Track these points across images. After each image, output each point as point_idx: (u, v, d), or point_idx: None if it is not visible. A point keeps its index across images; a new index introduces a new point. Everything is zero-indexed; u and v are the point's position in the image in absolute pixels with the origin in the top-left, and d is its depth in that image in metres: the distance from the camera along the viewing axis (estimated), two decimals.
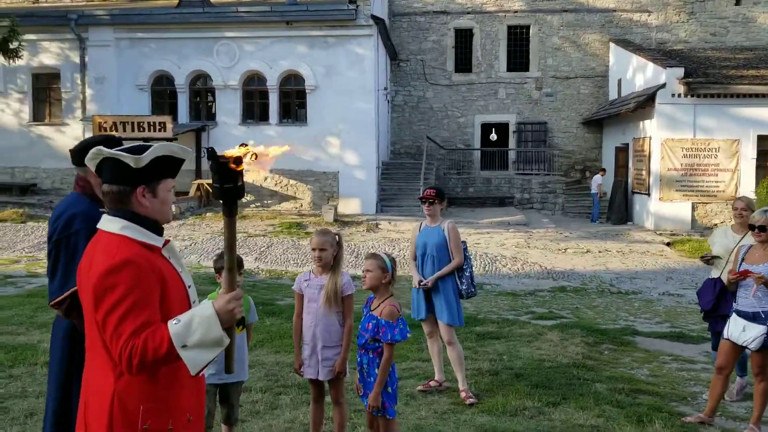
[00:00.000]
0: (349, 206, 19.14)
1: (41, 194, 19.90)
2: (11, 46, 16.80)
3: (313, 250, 4.12)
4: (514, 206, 22.54)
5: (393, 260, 3.88)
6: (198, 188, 19.20)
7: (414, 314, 5.80)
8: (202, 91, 20.14)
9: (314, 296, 4.09)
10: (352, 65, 19.03)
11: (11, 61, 17.35)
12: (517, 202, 22.81)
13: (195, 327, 2.03)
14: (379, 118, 20.13)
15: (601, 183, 21.31)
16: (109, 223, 2.22)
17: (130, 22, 19.59)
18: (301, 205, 19.60)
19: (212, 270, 4.17)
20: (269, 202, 19.63)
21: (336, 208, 18.21)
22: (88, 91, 19.81)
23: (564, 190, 22.93)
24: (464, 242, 5.72)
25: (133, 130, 17.57)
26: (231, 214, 2.13)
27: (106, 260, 2.09)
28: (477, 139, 25.20)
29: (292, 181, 19.57)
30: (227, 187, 2.09)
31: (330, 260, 4.07)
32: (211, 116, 19.90)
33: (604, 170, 22.15)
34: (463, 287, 5.62)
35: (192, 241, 14.74)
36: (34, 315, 7.76)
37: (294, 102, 19.93)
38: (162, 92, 20.15)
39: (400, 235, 16.51)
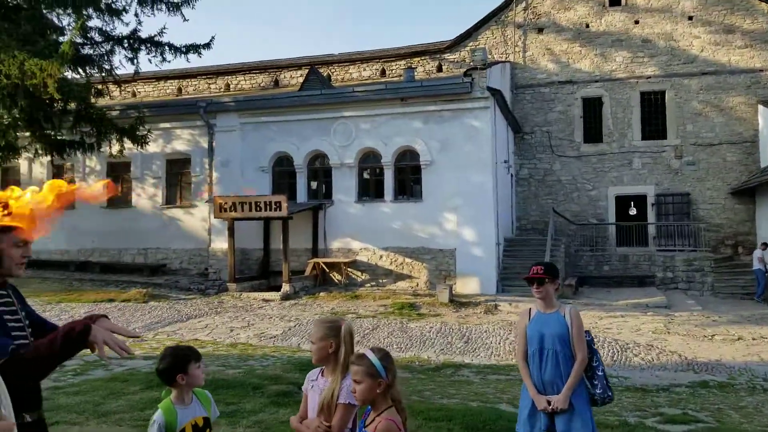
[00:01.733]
0: (467, 285, 18.08)
1: (170, 274, 20.60)
2: (139, 134, 17.91)
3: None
4: (656, 286, 20.37)
5: (386, 356, 2.96)
6: (314, 267, 19.02)
7: (525, 429, 4.50)
8: (320, 170, 20.28)
9: (315, 402, 3.25)
10: (469, 139, 18.39)
11: (140, 147, 18.45)
12: (659, 281, 20.62)
13: None
14: (498, 193, 19.17)
15: (761, 257, 18.81)
16: None
17: (254, 108, 20.34)
18: (417, 284, 18.80)
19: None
20: (384, 281, 19.02)
21: (452, 288, 17.24)
22: (215, 174, 20.58)
23: (713, 268, 20.45)
24: (587, 332, 4.50)
25: (251, 210, 17.84)
26: None
27: None
28: (611, 212, 23.41)
29: (407, 259, 18.90)
30: None
31: (324, 356, 3.23)
32: (328, 194, 19.90)
33: (765, 244, 19.57)
34: (597, 391, 4.37)
35: (297, 322, 14.32)
36: (102, 402, 7.42)
37: (409, 178, 19.51)
38: (282, 173, 20.52)
39: None
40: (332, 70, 25.55)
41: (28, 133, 17.81)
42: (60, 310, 15.37)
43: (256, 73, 26.44)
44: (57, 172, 22.38)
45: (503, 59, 23.75)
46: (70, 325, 2.53)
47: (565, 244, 21.16)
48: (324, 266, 19.07)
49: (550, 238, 19.94)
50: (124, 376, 9.00)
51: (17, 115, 16.42)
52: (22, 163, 21.89)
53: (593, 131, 23.66)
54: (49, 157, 20.10)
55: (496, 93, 18.63)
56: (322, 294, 17.86)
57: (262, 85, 26.20)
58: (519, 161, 23.92)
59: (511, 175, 22.69)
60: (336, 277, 19.23)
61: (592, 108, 23.66)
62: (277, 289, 17.93)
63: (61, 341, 2.45)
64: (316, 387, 3.30)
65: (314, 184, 20.43)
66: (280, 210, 17.59)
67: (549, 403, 4.31)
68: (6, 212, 1.31)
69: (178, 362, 3.23)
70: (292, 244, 18.35)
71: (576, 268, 21.40)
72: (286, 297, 17.33)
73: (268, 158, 20.19)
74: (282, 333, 13.35)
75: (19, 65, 14.35)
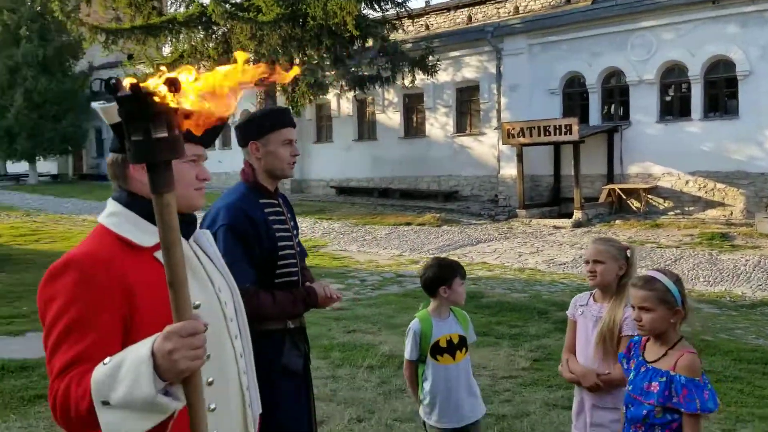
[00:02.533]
0: None
1: (461, 200, 21.17)
2: (429, 64, 18.38)
3: (586, 262, 2.92)
4: None
5: (679, 281, 2.46)
6: (609, 194, 17.90)
7: None
8: (615, 89, 18.76)
9: (588, 330, 2.87)
10: None
11: (430, 77, 18.96)
12: None
13: (123, 375, 1.26)
14: None
15: None
16: (105, 209, 1.63)
17: (542, 27, 19.43)
18: (731, 213, 16.61)
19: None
20: (691, 209, 17.16)
21: None
22: (503, 100, 20.33)
23: None
24: None
25: (539, 135, 17.30)
26: (157, 186, 1.27)
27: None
28: None
29: (719, 185, 16.75)
30: (136, 141, 1.25)
31: (611, 280, 2.82)
32: (625, 115, 18.39)
33: None
34: None
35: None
36: (393, 316, 7.86)
37: (722, 93, 17.03)
38: (573, 94, 19.46)
39: None
40: None
41: (333, 72, 19.39)
42: (365, 232, 16.78)
43: None
44: (360, 105, 24.19)
45: None
46: (306, 294, 2.70)
47: None
48: (620, 192, 17.84)
49: None
50: (416, 293, 9.43)
51: (324, 55, 17.92)
52: (332, 99, 24.02)
53: None
54: (352, 93, 21.73)
55: None
56: (617, 222, 16.78)
57: (552, 3, 24.91)
58: None
59: None
60: (634, 204, 17.89)
61: None
62: (569, 216, 17.30)
63: (302, 308, 2.69)
64: (587, 313, 2.93)
65: (609, 105, 19.04)
66: (571, 134, 16.74)
67: None
68: (175, 95, 1.18)
69: (444, 274, 3.13)
70: (584, 170, 17.44)
71: None
72: (577, 224, 16.64)
73: (557, 80, 19.27)
74: (572, 260, 12.85)
75: (322, 6, 15.52)
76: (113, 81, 1.22)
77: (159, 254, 1.55)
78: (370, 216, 19.07)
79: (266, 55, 17.34)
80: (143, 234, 1.57)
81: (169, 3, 20.87)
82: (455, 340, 3.14)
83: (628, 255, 2.87)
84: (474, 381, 3.28)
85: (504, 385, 5.50)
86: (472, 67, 21.28)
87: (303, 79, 17.42)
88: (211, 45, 18.90)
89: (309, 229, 17.31)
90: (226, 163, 24.45)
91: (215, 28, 18.28)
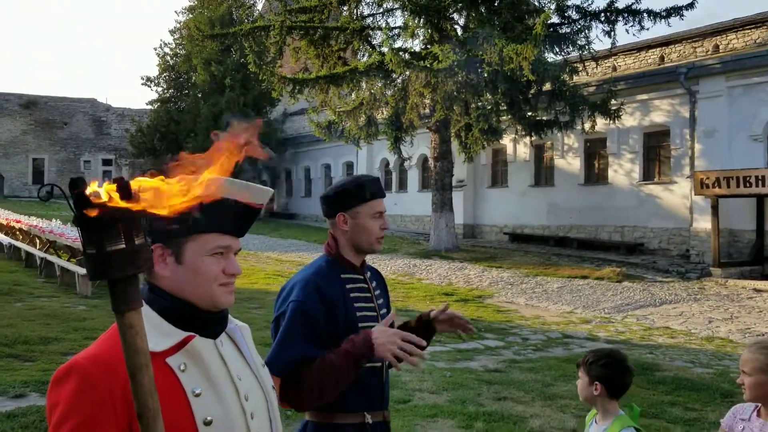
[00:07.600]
0: None
1: (647, 254, 19.57)
2: (611, 108, 17.36)
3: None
4: None
5: None
6: None
7: None
8: None
9: None
10: None
11: (612, 122, 17.90)
12: None
13: None
14: None
15: None
16: None
17: (743, 68, 17.62)
18: None
19: None
20: None
21: None
22: (697, 147, 18.62)
23: None
24: None
25: (738, 185, 15.55)
26: (118, 305, 1.10)
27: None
28: None
29: None
30: (89, 254, 1.06)
31: (763, 396, 2.25)
32: None
33: None
34: None
35: None
36: (551, 384, 7.22)
37: None
38: None
39: None
40: None
41: (509, 116, 18.99)
42: (535, 284, 16.04)
43: (750, 28, 22.86)
44: (537, 150, 23.50)
45: None
46: (350, 340, 2.18)
47: None
48: None
49: None
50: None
51: (498, 100, 17.63)
52: (508, 144, 23.58)
53: None
54: (529, 138, 21.17)
55: None
56: None
57: (757, 41, 22.61)
58: None
59: None
60: None
61: None
62: None
63: (342, 362, 2.14)
64: (748, 430, 2.34)
65: None
66: None
67: None
68: (130, 201, 1.02)
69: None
70: None
71: None
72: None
73: (761, 125, 17.25)
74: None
75: (498, 52, 15.30)
76: (75, 178, 1.05)
77: (171, 359, 1.41)
78: (543, 266, 18.22)
79: (440, 101, 17.43)
80: (159, 336, 1.43)
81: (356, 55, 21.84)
82: None
83: None
84: None
85: None
86: (662, 110, 19.82)
87: (476, 125, 17.23)
88: (389, 93, 19.42)
89: (477, 277, 16.91)
90: (401, 205, 24.83)
91: (393, 77, 18.76)
